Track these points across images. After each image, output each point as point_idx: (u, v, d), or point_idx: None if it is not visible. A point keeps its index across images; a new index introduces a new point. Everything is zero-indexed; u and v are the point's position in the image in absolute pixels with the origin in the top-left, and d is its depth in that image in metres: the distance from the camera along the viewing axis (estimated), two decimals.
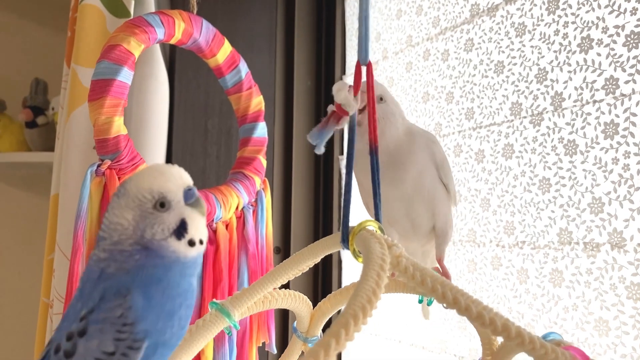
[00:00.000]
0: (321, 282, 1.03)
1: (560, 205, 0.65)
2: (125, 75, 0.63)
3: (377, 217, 0.45)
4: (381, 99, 0.55)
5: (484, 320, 0.40)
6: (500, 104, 0.74)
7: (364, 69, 0.46)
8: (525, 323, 0.68)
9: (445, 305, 0.41)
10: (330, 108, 0.46)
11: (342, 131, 1.01)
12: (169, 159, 0.95)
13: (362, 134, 0.50)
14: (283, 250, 1.03)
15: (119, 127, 0.62)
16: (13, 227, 1.52)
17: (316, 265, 1.00)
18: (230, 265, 0.71)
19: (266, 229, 0.75)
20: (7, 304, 1.50)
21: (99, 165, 0.61)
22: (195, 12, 0.76)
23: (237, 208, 0.72)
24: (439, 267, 0.56)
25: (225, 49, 0.74)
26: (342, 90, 0.46)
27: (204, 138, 0.98)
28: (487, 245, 0.74)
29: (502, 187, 0.73)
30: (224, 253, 0.70)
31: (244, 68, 0.75)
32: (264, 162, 0.75)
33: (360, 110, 0.50)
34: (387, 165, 0.54)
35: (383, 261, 0.40)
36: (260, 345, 0.72)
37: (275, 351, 0.71)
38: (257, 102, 0.76)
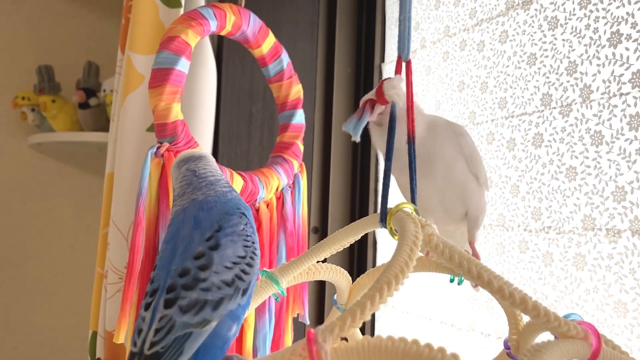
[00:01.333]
0: (357, 260, 1.08)
1: (585, 193, 0.69)
2: (183, 65, 0.68)
3: (413, 200, 0.50)
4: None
5: (504, 293, 0.44)
6: (532, 95, 0.77)
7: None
8: (548, 303, 0.72)
9: (470, 279, 0.45)
10: (366, 97, 0.50)
11: None
12: (215, 142, 1.01)
13: (382, 133, 0.53)
14: (321, 230, 1.09)
15: (177, 112, 0.67)
16: (67, 202, 1.60)
17: (352, 245, 1.05)
18: (270, 242, 0.76)
19: (302, 209, 0.80)
20: (62, 274, 1.59)
21: (158, 148, 0.66)
22: (243, 4, 0.81)
23: (277, 189, 0.77)
24: (470, 249, 0.59)
25: (270, 40, 0.79)
26: (399, 83, 0.50)
27: (248, 123, 1.03)
28: (515, 229, 0.78)
29: (531, 174, 0.76)
30: (265, 230, 0.76)
31: (285, 58, 0.80)
32: (302, 147, 0.81)
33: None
34: (417, 157, 0.57)
35: (416, 238, 0.45)
36: (295, 316, 0.77)
37: (308, 322, 0.76)
38: (297, 90, 0.81)
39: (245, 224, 0.47)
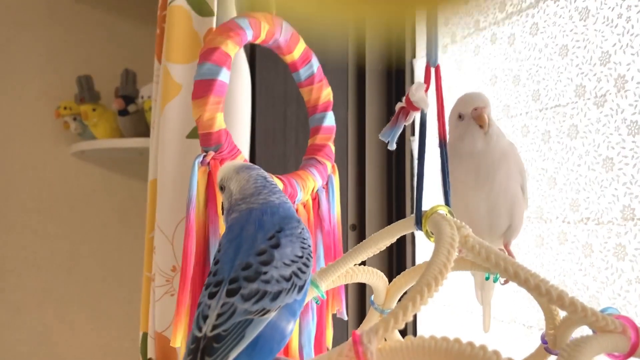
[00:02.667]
0: (396, 259, 1.09)
1: (623, 183, 0.69)
2: (225, 75, 0.70)
3: (447, 202, 0.51)
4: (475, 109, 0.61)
5: (541, 290, 0.45)
6: (565, 86, 0.77)
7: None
8: (590, 295, 0.72)
9: (507, 278, 0.47)
10: (399, 105, 0.52)
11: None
12: (252, 145, 1.03)
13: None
14: (359, 227, 1.10)
15: (220, 122, 0.70)
16: (111, 206, 1.65)
17: (391, 244, 1.06)
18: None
19: (336, 208, 0.82)
20: (110, 277, 1.64)
21: (204, 156, 0.69)
22: (275, 12, 0.82)
23: (312, 190, 0.79)
24: (505, 250, 0.61)
25: (300, 46, 0.81)
26: (420, 90, 0.51)
27: (283, 125, 1.05)
28: (553, 221, 0.78)
29: (568, 166, 0.76)
30: None
31: (315, 62, 0.82)
32: (333, 149, 0.82)
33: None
34: (476, 170, 0.60)
35: (453, 240, 0.46)
36: (334, 312, 0.80)
37: (346, 318, 0.78)
38: (327, 93, 0.83)
39: (303, 229, 0.52)
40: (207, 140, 0.70)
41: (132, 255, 1.58)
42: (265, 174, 0.56)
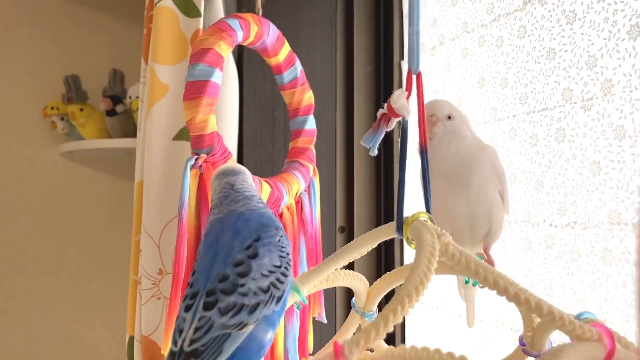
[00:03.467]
0: (384, 261, 1.09)
1: (609, 187, 0.69)
2: (218, 77, 0.69)
3: (428, 209, 0.51)
4: (449, 117, 0.61)
5: (520, 299, 0.45)
6: (552, 90, 0.77)
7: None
8: (577, 299, 0.72)
9: (487, 286, 0.46)
10: (381, 111, 0.51)
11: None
12: (240, 147, 1.02)
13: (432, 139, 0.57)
14: (347, 229, 1.10)
15: (213, 124, 0.69)
16: (99, 207, 1.64)
17: (380, 246, 1.06)
18: (293, 245, 0.78)
19: (317, 212, 0.82)
20: (97, 278, 1.63)
21: (196, 159, 0.68)
22: (261, 13, 0.82)
23: (296, 194, 0.79)
24: (485, 255, 0.61)
25: (285, 49, 0.80)
26: (402, 97, 0.51)
27: (271, 127, 1.05)
28: (540, 225, 0.78)
29: (555, 169, 0.76)
30: (289, 234, 0.77)
31: (299, 66, 0.82)
32: (314, 152, 0.82)
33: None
34: (452, 175, 0.60)
35: (433, 248, 0.46)
36: (315, 315, 0.79)
37: (325, 321, 0.79)
38: (309, 96, 0.83)
39: (281, 236, 0.51)
40: (199, 142, 0.69)
41: (120, 257, 1.57)
42: (238, 180, 0.55)
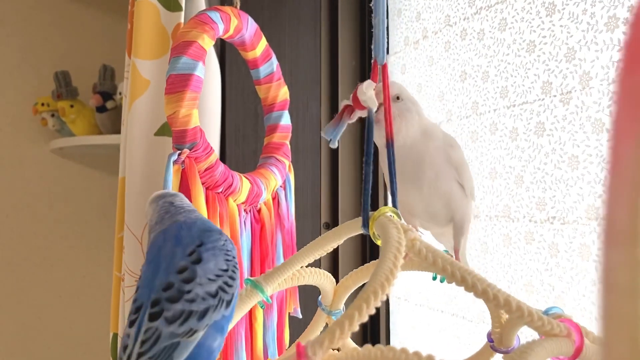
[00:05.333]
0: (369, 257, 1.08)
1: (587, 182, 0.68)
2: (201, 70, 0.68)
3: (394, 204, 0.50)
4: (398, 97, 0.58)
5: (488, 295, 0.44)
6: (532, 83, 0.76)
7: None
8: (555, 295, 0.71)
9: (455, 283, 0.45)
10: (344, 102, 0.50)
11: None
12: (223, 142, 1.01)
13: (381, 129, 0.54)
14: (332, 225, 1.09)
15: (196, 119, 0.68)
16: (90, 203, 1.64)
17: (365, 239, 1.05)
18: (272, 241, 0.77)
19: (293, 208, 0.81)
20: (89, 274, 1.62)
21: (178, 154, 0.66)
22: (238, 6, 0.81)
23: (273, 189, 0.78)
24: (455, 255, 0.60)
25: (262, 43, 0.80)
26: (370, 89, 0.50)
27: (254, 122, 1.04)
28: (520, 220, 0.77)
29: (535, 164, 0.75)
30: (268, 230, 0.77)
31: (275, 61, 0.81)
32: (289, 147, 0.81)
33: (378, 108, 0.54)
34: (405, 162, 0.57)
35: (399, 244, 0.45)
36: (291, 311, 0.79)
37: (300, 316, 0.79)
38: (284, 91, 0.82)
39: (225, 240, 0.49)
40: (181, 137, 0.68)
41: (111, 253, 1.56)
42: (177, 199, 0.54)
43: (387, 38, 1.07)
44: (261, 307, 0.58)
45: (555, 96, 0.72)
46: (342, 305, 0.62)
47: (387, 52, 1.07)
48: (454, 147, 0.59)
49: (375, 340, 1.06)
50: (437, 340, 0.92)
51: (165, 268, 0.45)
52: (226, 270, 0.46)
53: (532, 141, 0.75)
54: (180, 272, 0.45)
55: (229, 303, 0.46)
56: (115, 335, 0.90)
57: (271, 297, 0.75)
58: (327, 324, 0.64)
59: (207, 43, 0.69)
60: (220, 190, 0.71)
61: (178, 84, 0.66)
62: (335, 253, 1.08)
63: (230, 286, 0.46)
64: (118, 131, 1.46)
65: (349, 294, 0.61)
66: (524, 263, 0.76)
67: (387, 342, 1.04)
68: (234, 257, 0.48)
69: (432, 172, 0.57)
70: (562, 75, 0.71)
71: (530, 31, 0.76)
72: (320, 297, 0.63)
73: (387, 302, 1.05)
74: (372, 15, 0.49)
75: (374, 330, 1.06)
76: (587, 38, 0.68)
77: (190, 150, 0.68)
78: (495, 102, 0.82)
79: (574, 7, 0.70)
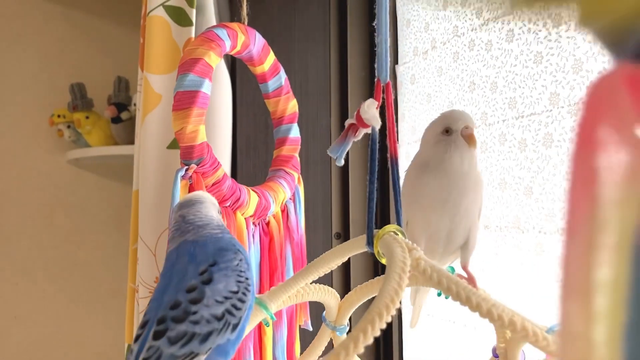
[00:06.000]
0: (380, 271, 1.08)
1: None
2: (208, 87, 0.69)
3: (399, 222, 0.50)
4: (447, 130, 0.59)
5: (493, 316, 0.45)
6: (540, 94, 0.75)
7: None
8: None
9: (459, 302, 0.46)
10: (349, 121, 0.51)
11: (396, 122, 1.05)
12: (234, 154, 1.02)
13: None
14: (343, 236, 1.09)
15: (203, 135, 0.69)
16: (107, 213, 1.66)
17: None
18: (281, 254, 0.78)
19: (302, 220, 0.81)
20: (106, 284, 1.64)
21: (186, 170, 0.67)
22: (246, 22, 0.82)
23: (282, 202, 0.79)
24: (464, 273, 0.60)
25: (270, 58, 0.80)
26: (372, 107, 0.50)
27: (265, 134, 1.05)
28: (530, 231, 0.77)
29: (543, 175, 0.75)
30: (276, 243, 0.77)
31: (283, 74, 0.82)
32: (298, 160, 0.82)
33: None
34: (450, 190, 0.58)
35: (404, 264, 0.46)
36: (302, 323, 0.79)
37: (311, 329, 0.79)
38: (293, 104, 0.83)
39: (240, 260, 0.48)
40: (189, 153, 0.69)
41: (126, 263, 1.58)
42: (191, 211, 0.52)
43: (396, 48, 1.08)
44: (266, 324, 0.59)
45: (562, 107, 0.72)
46: (346, 321, 0.62)
47: (397, 62, 1.07)
48: (481, 173, 0.60)
49: (387, 351, 1.06)
50: (451, 352, 0.92)
51: (176, 284, 0.45)
52: (236, 292, 0.46)
53: (540, 152, 0.75)
54: (189, 292, 0.44)
55: (235, 326, 0.45)
56: (130, 347, 0.91)
57: (280, 311, 0.76)
58: (331, 339, 0.64)
59: (214, 60, 0.70)
60: (227, 204, 0.71)
61: (185, 100, 0.67)
62: (347, 267, 1.08)
63: (238, 309, 0.45)
64: (133, 142, 1.47)
65: (353, 309, 0.62)
66: (535, 274, 0.76)
67: (400, 356, 1.04)
68: (247, 279, 0.47)
69: (471, 198, 0.58)
70: (569, 86, 0.71)
71: (538, 42, 0.76)
72: (324, 312, 0.63)
73: (399, 316, 1.05)
74: (375, 34, 0.50)
75: (387, 342, 1.06)
76: (594, 49, 0.68)
77: (197, 165, 0.69)
78: (503, 112, 0.82)
79: None
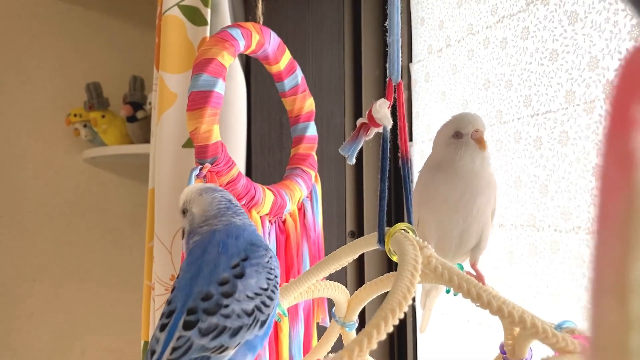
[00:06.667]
0: (394, 268, 1.08)
1: None
2: (221, 87, 0.70)
3: (409, 220, 0.50)
4: (457, 134, 0.60)
5: (504, 313, 0.45)
6: (555, 92, 0.75)
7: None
8: (582, 305, 0.71)
9: (470, 299, 0.46)
10: (360, 120, 0.51)
11: (409, 122, 1.05)
12: (248, 153, 1.03)
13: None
14: (357, 234, 1.10)
15: (217, 134, 0.70)
16: (123, 212, 1.67)
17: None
18: (297, 252, 0.78)
19: (320, 218, 0.82)
20: (121, 282, 1.65)
21: (200, 169, 0.68)
22: (262, 22, 0.82)
23: (298, 200, 0.79)
24: (474, 271, 0.60)
25: (286, 56, 0.81)
26: (384, 107, 0.51)
27: (279, 133, 1.05)
28: (546, 230, 0.76)
29: (559, 173, 0.74)
30: (293, 241, 0.78)
31: (299, 73, 0.82)
32: (316, 158, 0.82)
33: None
34: (463, 191, 0.59)
35: (416, 262, 0.46)
36: (319, 320, 0.80)
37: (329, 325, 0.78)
38: (310, 103, 0.83)
39: (270, 257, 0.48)
40: (203, 153, 0.69)
41: (143, 261, 1.59)
42: (231, 196, 0.53)
43: (411, 46, 1.07)
44: (277, 320, 0.59)
45: (578, 105, 0.72)
46: (355, 317, 0.63)
47: (411, 60, 1.07)
48: (493, 174, 0.61)
49: (401, 349, 1.06)
50: (465, 350, 0.92)
51: (207, 275, 0.45)
52: (266, 290, 0.46)
53: (556, 150, 0.75)
54: (221, 284, 0.44)
55: (263, 323, 0.45)
56: (147, 344, 0.92)
57: (296, 308, 0.76)
58: (340, 335, 0.64)
59: (227, 60, 0.70)
60: (242, 202, 0.72)
61: (198, 100, 0.68)
62: (361, 264, 1.08)
63: (267, 306, 0.46)
64: (148, 140, 1.47)
65: (363, 306, 0.62)
66: (550, 273, 0.75)
67: (415, 354, 1.04)
68: (276, 277, 0.48)
69: (484, 198, 0.59)
70: (585, 84, 0.71)
71: (553, 40, 0.75)
72: (334, 308, 0.64)
73: (413, 315, 1.05)
74: (387, 34, 0.50)
75: (401, 340, 1.06)
76: (610, 47, 0.67)
77: (211, 164, 0.69)
78: (518, 110, 0.81)
79: (596, 16, 0.69)
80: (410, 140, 1.06)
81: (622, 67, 0.19)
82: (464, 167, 0.60)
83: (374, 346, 0.40)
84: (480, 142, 0.59)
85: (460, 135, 0.60)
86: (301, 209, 0.80)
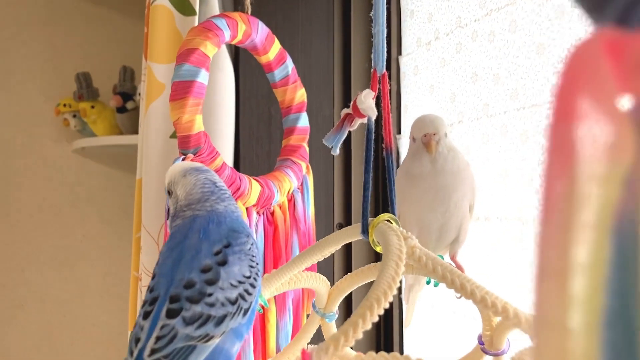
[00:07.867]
0: (380, 258, 1.09)
1: None
2: (204, 77, 0.70)
3: (393, 211, 0.51)
4: (445, 134, 0.64)
5: (487, 303, 0.45)
6: (542, 85, 0.75)
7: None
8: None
9: (454, 290, 0.46)
10: (345, 111, 0.51)
11: (398, 114, 1.05)
12: (236, 145, 1.03)
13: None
14: (345, 226, 1.10)
15: (199, 124, 0.69)
16: (112, 203, 1.67)
17: None
18: (286, 243, 0.78)
19: (311, 209, 0.82)
20: (111, 273, 1.65)
21: (183, 159, 0.68)
22: (250, 12, 0.82)
23: (288, 192, 0.79)
24: (453, 262, 0.62)
25: (276, 47, 0.80)
26: (368, 98, 0.51)
27: (268, 124, 1.05)
28: (531, 222, 0.77)
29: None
30: (281, 232, 0.78)
31: (290, 63, 0.82)
32: (307, 149, 0.82)
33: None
34: (439, 188, 0.62)
35: (400, 252, 0.46)
36: (310, 312, 0.80)
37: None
38: (301, 94, 0.83)
39: (252, 244, 0.48)
40: (185, 143, 0.69)
41: (131, 252, 1.59)
42: (216, 178, 0.52)
43: (400, 39, 1.07)
44: (259, 311, 0.59)
45: None
46: (335, 308, 0.63)
47: (400, 53, 1.07)
48: (469, 167, 0.62)
49: (387, 342, 1.06)
50: (450, 341, 0.93)
51: (189, 261, 0.44)
52: (248, 277, 0.46)
53: (542, 144, 0.75)
54: (204, 272, 0.44)
55: (246, 311, 0.45)
56: None
57: (284, 299, 0.76)
58: (320, 326, 0.65)
59: (210, 50, 0.70)
60: None
61: (180, 90, 0.68)
62: (348, 254, 1.09)
63: (250, 294, 0.45)
64: (137, 131, 1.48)
65: (343, 297, 0.62)
66: (533, 266, 0.76)
67: (401, 346, 1.05)
68: (257, 264, 0.47)
69: (461, 193, 0.62)
70: None
71: (540, 33, 0.76)
72: (314, 299, 0.64)
73: (399, 306, 1.05)
74: (372, 24, 0.50)
75: (387, 333, 1.07)
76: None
77: (194, 155, 0.69)
78: (505, 104, 0.82)
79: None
80: (399, 132, 1.06)
81: (567, 60, 0.19)
82: (422, 169, 0.63)
83: (360, 335, 0.40)
84: (427, 146, 0.63)
85: (415, 139, 0.65)
86: (291, 200, 0.80)
